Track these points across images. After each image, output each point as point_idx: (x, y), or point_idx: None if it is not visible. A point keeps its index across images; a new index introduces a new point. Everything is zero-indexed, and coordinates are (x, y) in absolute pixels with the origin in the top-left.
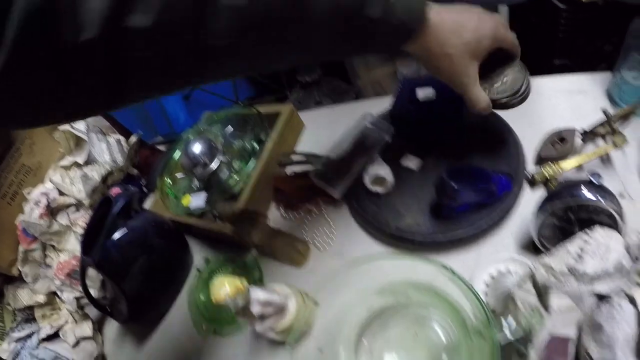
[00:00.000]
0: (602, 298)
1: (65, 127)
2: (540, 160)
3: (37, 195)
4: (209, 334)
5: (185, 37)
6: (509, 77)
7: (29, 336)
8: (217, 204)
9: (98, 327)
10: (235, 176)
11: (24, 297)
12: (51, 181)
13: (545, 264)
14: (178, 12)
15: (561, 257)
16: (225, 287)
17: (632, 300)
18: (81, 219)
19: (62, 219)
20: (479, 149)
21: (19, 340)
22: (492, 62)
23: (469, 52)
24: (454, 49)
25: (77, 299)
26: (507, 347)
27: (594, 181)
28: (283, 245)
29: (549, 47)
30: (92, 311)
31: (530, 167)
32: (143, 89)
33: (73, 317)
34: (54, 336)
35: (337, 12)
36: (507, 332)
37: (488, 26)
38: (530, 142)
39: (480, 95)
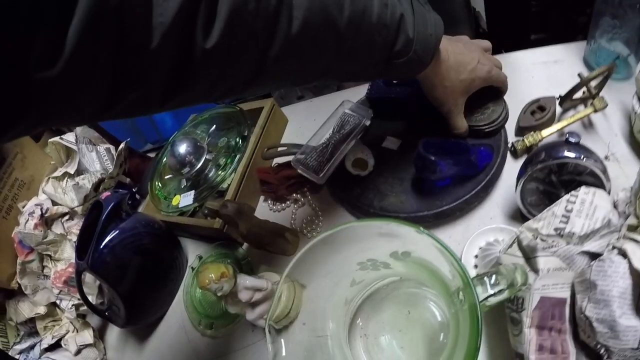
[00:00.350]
0: (593, 257)
1: (55, 138)
2: (521, 131)
3: (31, 207)
4: (206, 329)
5: (246, 58)
6: (489, 109)
7: (32, 348)
8: (206, 201)
9: (99, 334)
10: (221, 172)
11: (25, 310)
12: (44, 192)
13: (531, 228)
14: (243, 35)
15: (548, 220)
16: (209, 272)
17: (623, 254)
18: (75, 227)
19: (56, 229)
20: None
21: (21, 352)
22: (481, 95)
23: (462, 88)
24: (450, 82)
25: (76, 306)
26: (501, 315)
27: (572, 140)
28: (272, 235)
29: (523, 22)
30: (93, 319)
31: (512, 139)
32: (191, 101)
33: (74, 326)
34: (55, 346)
35: (369, 49)
36: (487, 285)
37: (485, 69)
38: (510, 115)
39: (461, 124)
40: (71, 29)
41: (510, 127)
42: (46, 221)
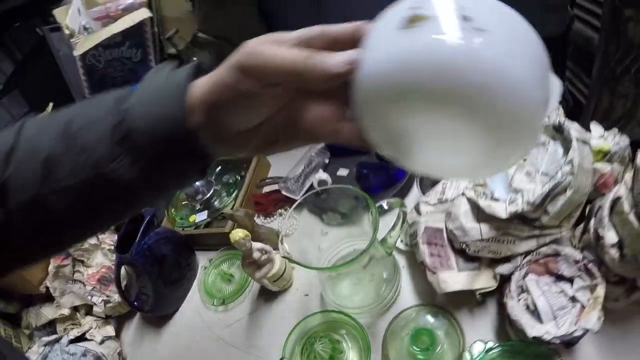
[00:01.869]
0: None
1: None
2: None
3: None
4: (219, 306)
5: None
6: None
7: (57, 341)
8: (216, 219)
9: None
10: (226, 199)
11: (48, 312)
12: None
13: (423, 200)
14: None
15: (434, 194)
16: (239, 233)
17: (470, 202)
18: (107, 239)
19: (91, 239)
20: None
21: (47, 344)
22: None
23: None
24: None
25: (105, 302)
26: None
27: None
28: (267, 233)
29: None
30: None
31: None
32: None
33: (96, 324)
34: (80, 339)
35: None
36: (384, 205)
37: None
38: None
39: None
40: None
41: None
42: None
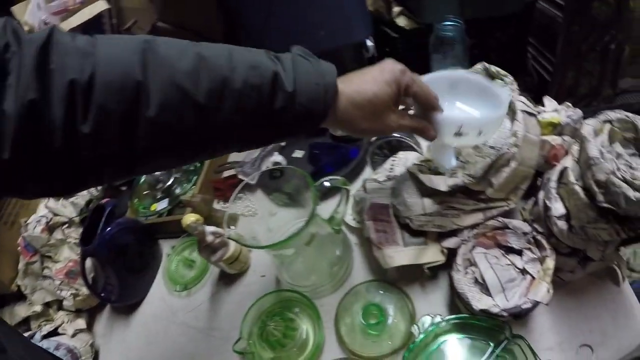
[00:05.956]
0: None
1: None
2: None
3: (37, 217)
4: (182, 291)
5: (115, 145)
6: None
7: (30, 338)
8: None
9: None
10: (186, 186)
11: (21, 311)
12: (47, 207)
13: (372, 178)
14: (110, 124)
15: (382, 171)
16: (190, 217)
17: (412, 176)
18: (73, 233)
19: (57, 234)
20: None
21: None
22: None
23: (379, 112)
24: (364, 115)
25: (74, 295)
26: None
27: None
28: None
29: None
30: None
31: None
32: (95, 182)
33: (68, 318)
34: (53, 334)
35: (243, 114)
36: (326, 183)
37: (402, 79)
38: None
39: (414, 127)
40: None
41: None
42: (49, 228)
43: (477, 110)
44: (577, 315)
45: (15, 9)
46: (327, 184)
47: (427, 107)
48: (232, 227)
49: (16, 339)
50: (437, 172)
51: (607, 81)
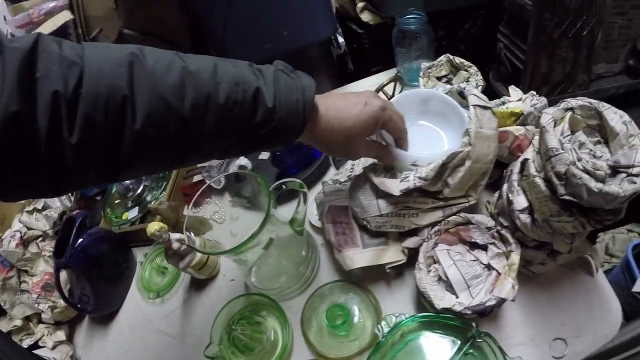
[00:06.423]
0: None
1: None
2: None
3: (12, 232)
4: (155, 298)
5: (100, 154)
6: None
7: None
8: (148, 213)
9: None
10: (155, 193)
11: (2, 326)
12: (20, 221)
13: (333, 179)
14: (96, 136)
15: (344, 172)
16: (154, 226)
17: (367, 177)
18: (48, 246)
19: (32, 248)
20: None
21: None
22: None
23: (353, 135)
24: (336, 137)
25: (52, 308)
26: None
27: None
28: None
29: (366, 60)
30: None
31: None
32: (79, 186)
33: (48, 331)
34: (34, 347)
35: (225, 127)
36: (283, 186)
37: (374, 108)
38: None
39: (379, 157)
40: None
41: None
42: (24, 242)
43: (438, 127)
44: (550, 308)
45: None
46: (284, 187)
47: (396, 142)
48: (189, 234)
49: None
50: (389, 174)
51: (581, 67)
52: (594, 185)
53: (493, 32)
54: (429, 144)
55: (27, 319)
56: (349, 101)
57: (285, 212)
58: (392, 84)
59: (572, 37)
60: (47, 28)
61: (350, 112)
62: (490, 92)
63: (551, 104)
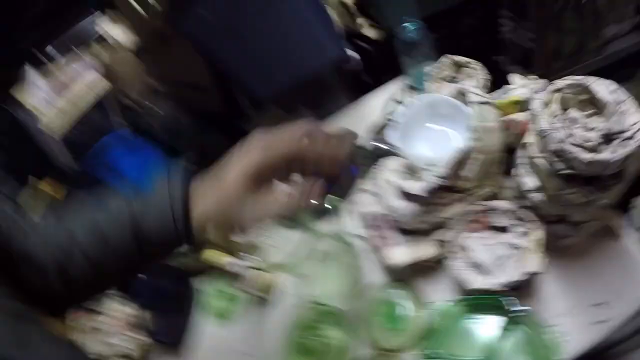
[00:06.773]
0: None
1: None
2: None
3: None
4: (222, 318)
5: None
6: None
7: None
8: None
9: None
10: None
11: None
12: None
13: (360, 188)
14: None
15: (369, 180)
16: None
17: (392, 183)
18: None
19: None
20: None
21: None
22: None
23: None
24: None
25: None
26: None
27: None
28: (244, 245)
29: (377, 72)
30: None
31: None
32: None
33: None
34: None
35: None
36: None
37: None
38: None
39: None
40: None
41: None
42: None
43: (447, 128)
44: (585, 278)
45: (17, 93)
46: (329, 205)
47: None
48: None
49: None
50: (414, 176)
51: (590, 34)
52: (584, 156)
53: (494, 19)
54: (440, 144)
55: None
56: (220, 179)
57: (327, 226)
58: (403, 91)
59: (574, 6)
60: (87, 94)
61: (221, 192)
62: (502, 81)
63: None
